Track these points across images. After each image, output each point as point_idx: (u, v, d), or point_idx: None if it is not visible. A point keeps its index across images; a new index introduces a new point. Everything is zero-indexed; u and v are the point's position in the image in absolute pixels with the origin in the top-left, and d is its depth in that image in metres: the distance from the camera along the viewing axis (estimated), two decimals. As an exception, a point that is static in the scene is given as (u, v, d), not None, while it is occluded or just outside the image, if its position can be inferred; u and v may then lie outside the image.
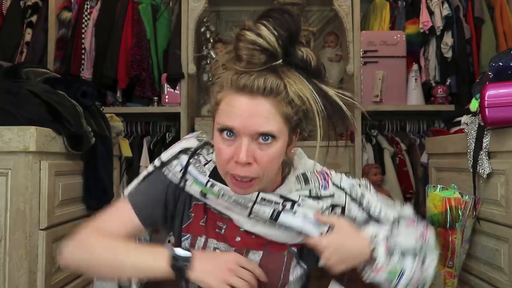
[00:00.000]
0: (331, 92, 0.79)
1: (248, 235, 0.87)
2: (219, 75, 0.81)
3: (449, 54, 2.86)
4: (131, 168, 2.90)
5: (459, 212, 1.52)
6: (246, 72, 0.75)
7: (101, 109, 1.77)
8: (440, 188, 1.63)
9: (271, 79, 0.74)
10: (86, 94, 1.56)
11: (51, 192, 1.35)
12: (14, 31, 2.99)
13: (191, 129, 2.94)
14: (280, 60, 0.76)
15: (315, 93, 0.77)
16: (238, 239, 0.87)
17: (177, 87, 2.88)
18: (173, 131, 3.08)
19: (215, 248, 0.86)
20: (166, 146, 2.95)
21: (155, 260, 0.80)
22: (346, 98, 0.80)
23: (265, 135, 0.75)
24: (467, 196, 1.53)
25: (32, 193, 1.28)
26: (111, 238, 0.84)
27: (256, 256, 0.86)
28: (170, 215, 0.90)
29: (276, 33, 0.73)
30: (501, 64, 1.46)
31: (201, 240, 0.87)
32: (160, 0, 3.01)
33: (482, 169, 1.47)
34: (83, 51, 2.90)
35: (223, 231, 0.87)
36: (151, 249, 0.84)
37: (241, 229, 0.86)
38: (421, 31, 2.88)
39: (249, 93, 0.74)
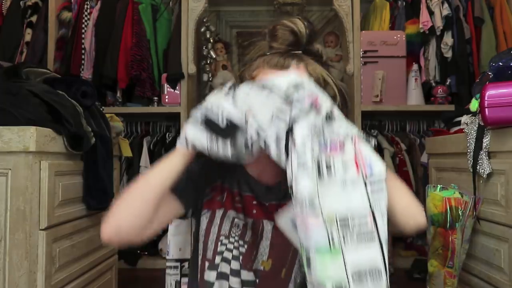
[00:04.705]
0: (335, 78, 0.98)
1: (261, 208, 0.95)
2: (253, 60, 0.99)
3: (449, 54, 2.86)
4: (131, 168, 2.90)
5: (459, 212, 1.52)
6: (277, 54, 0.94)
7: (101, 109, 1.77)
8: (440, 188, 1.63)
9: (295, 60, 0.93)
10: (86, 94, 1.56)
11: (51, 192, 1.34)
12: (14, 31, 2.99)
13: (191, 129, 2.93)
14: (301, 50, 0.95)
15: (328, 72, 0.95)
16: (254, 211, 0.96)
17: (177, 87, 2.88)
18: (173, 131, 3.08)
19: (234, 218, 0.94)
20: (166, 146, 2.96)
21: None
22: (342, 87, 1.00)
23: None
24: (467, 196, 1.54)
25: (32, 193, 1.27)
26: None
27: (269, 225, 0.94)
28: (197, 187, 0.96)
29: (305, 23, 0.95)
30: (501, 64, 1.46)
31: (219, 212, 0.94)
32: (160, 0, 3.01)
33: (482, 169, 1.47)
34: (83, 51, 2.91)
35: (240, 205, 0.96)
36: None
37: (254, 202, 0.96)
38: (421, 31, 2.88)
39: (280, 69, 0.93)
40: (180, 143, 0.83)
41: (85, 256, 1.59)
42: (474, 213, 1.54)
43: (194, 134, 0.81)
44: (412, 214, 0.78)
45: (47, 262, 1.31)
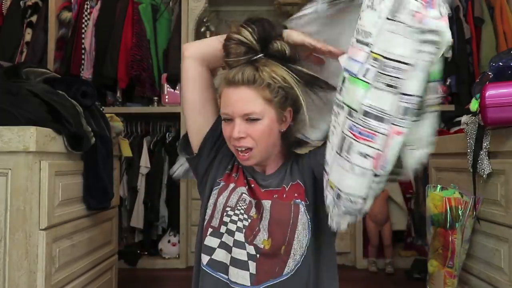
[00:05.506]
0: (304, 69, 1.03)
1: (260, 190, 1.07)
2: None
3: (449, 54, 2.85)
4: (131, 168, 2.90)
5: (459, 212, 1.52)
6: (232, 68, 1.00)
7: (101, 109, 1.77)
8: (440, 188, 1.63)
9: (247, 71, 0.98)
10: (86, 94, 1.56)
11: (51, 192, 1.35)
12: (14, 31, 2.99)
13: (191, 129, 2.93)
14: (261, 54, 1.00)
15: (289, 70, 1.00)
16: (256, 193, 1.06)
17: (177, 87, 2.88)
18: (173, 131, 3.08)
19: (242, 193, 1.05)
20: (166, 146, 2.96)
21: None
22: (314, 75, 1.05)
23: (250, 115, 0.97)
24: (467, 196, 1.54)
25: (32, 193, 1.27)
26: None
27: (266, 203, 1.04)
28: (217, 158, 1.11)
29: (251, 30, 0.98)
30: (501, 64, 1.46)
31: (231, 186, 1.07)
32: (160, 0, 3.01)
33: (482, 169, 1.47)
34: (83, 51, 2.91)
35: (247, 186, 1.08)
36: None
37: (253, 186, 1.07)
38: (421, 31, 2.88)
39: (234, 85, 0.98)
40: None
41: (85, 256, 1.59)
42: (474, 213, 1.54)
43: None
44: None
45: (47, 262, 1.32)
